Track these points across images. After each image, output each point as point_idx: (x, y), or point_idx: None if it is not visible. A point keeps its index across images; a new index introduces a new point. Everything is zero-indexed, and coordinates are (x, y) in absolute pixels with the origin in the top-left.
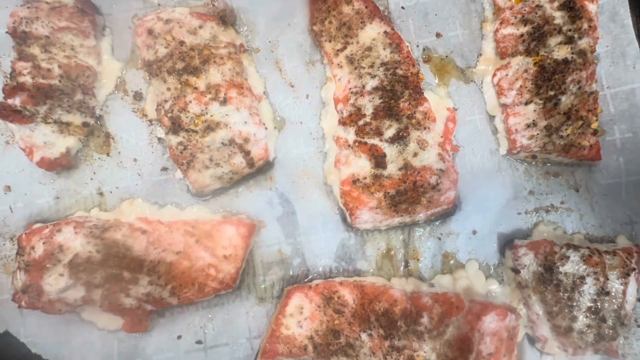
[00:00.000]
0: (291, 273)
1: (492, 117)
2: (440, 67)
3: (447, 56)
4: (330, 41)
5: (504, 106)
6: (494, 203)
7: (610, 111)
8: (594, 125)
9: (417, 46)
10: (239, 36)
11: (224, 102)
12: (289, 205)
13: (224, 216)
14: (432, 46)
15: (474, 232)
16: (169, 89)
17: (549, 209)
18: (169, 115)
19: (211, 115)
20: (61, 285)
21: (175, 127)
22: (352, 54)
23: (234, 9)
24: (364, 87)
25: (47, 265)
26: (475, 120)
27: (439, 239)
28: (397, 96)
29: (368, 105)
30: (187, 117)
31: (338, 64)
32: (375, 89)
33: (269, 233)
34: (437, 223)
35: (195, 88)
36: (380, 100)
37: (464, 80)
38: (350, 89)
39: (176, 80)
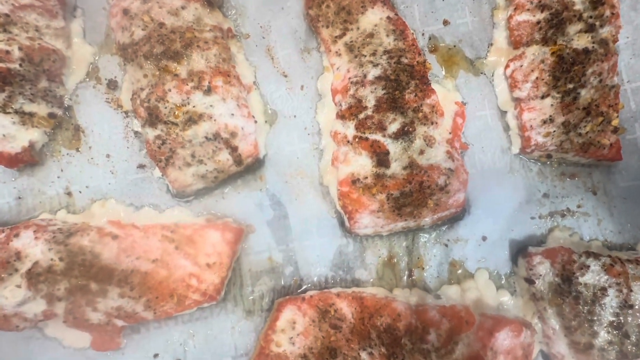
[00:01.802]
0: (283, 283)
1: (503, 113)
2: (448, 57)
3: (455, 46)
4: (327, 27)
5: (517, 100)
6: (505, 206)
7: (630, 107)
8: (615, 122)
9: (423, 34)
10: (227, 20)
11: (208, 91)
12: (281, 208)
13: (208, 220)
14: (439, 34)
15: (484, 239)
16: (145, 76)
17: (565, 213)
18: (145, 105)
19: (193, 106)
20: (18, 297)
21: (153, 118)
22: (351, 41)
23: None
24: (365, 76)
25: (2, 275)
26: (486, 116)
27: (446, 245)
28: (402, 87)
29: (370, 96)
30: (165, 108)
31: (336, 52)
32: (378, 78)
33: (259, 238)
34: (444, 228)
35: (176, 75)
36: (384, 91)
37: (474, 72)
38: (349, 78)
39: (154, 66)
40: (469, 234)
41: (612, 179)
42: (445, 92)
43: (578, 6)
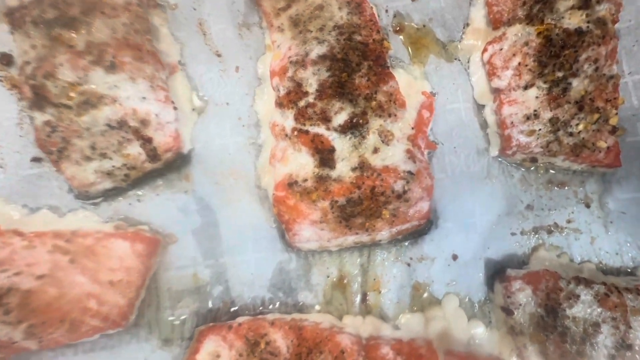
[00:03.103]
0: (210, 306)
1: (480, 107)
2: (416, 39)
3: (424, 25)
4: None
5: (496, 91)
6: (480, 219)
7: (632, 104)
8: (613, 121)
9: (386, 11)
10: None
11: (112, 68)
12: (210, 215)
13: (117, 227)
14: (406, 12)
15: (454, 257)
16: (34, 47)
17: (552, 229)
18: (31, 82)
19: (92, 86)
20: None
21: (39, 99)
22: (297, 15)
23: None
24: (307, 54)
25: None
26: (459, 109)
27: (408, 265)
28: (351, 68)
29: (311, 79)
30: (55, 87)
31: (279, 27)
32: (322, 57)
33: (181, 251)
34: (406, 244)
35: (71, 46)
36: (328, 74)
37: (446, 58)
38: (289, 57)
39: (44, 34)
40: (435, 252)
41: (609, 189)
42: (411, 79)
43: None
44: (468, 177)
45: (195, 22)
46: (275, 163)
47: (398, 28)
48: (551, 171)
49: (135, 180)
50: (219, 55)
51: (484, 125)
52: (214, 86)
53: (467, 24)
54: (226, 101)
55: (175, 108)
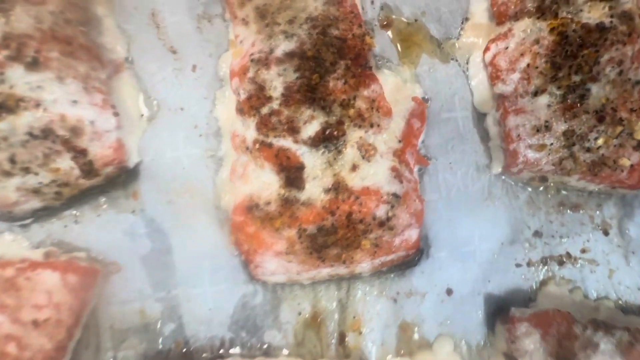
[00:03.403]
0: (160, 347)
1: (481, 115)
2: (406, 36)
3: (416, 20)
4: None
5: (500, 98)
6: (480, 248)
7: None
8: (638, 135)
9: (372, 3)
10: None
11: (34, 64)
12: (162, 239)
13: (47, 254)
14: (395, 4)
15: (449, 292)
16: None
17: (564, 259)
18: None
19: (10, 87)
20: None
21: None
22: (265, 4)
23: None
24: (271, 51)
25: None
26: (456, 119)
27: (395, 300)
28: (324, 68)
29: (276, 81)
30: None
31: (243, 19)
32: (290, 55)
33: (127, 282)
34: (392, 276)
35: None
36: (297, 75)
37: (441, 58)
38: (251, 55)
39: None
40: (427, 286)
41: (630, 213)
42: (399, 82)
43: None
44: (466, 198)
45: (147, 13)
46: (236, 180)
47: (385, 22)
48: (563, 192)
49: (71, 198)
50: (173, 52)
51: (485, 137)
52: (167, 88)
53: (467, 19)
54: (181, 106)
55: (116, 114)
